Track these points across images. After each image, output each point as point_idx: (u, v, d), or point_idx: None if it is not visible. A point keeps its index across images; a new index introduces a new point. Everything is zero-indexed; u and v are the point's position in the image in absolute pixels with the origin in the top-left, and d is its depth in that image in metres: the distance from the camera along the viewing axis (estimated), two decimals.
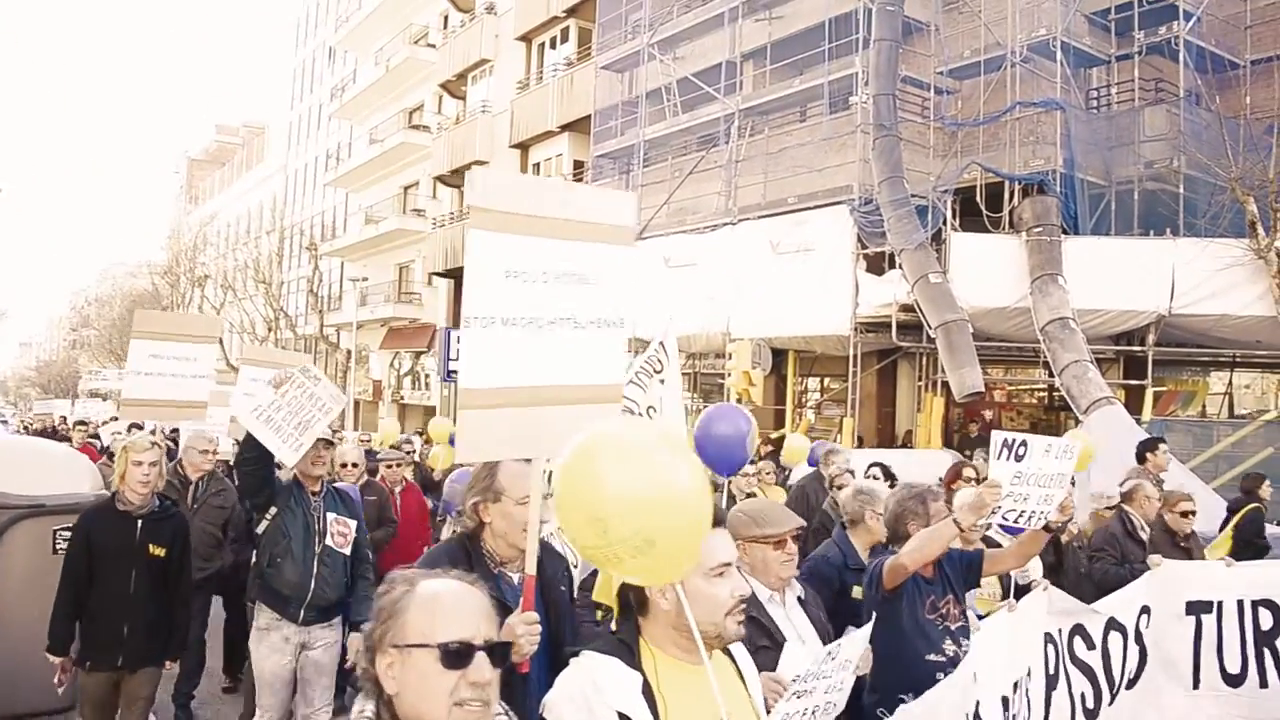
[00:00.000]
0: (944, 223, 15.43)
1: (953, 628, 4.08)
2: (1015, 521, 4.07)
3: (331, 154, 44.32)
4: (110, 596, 4.98)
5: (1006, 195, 15.56)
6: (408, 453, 11.85)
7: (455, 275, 31.06)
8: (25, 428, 26.69)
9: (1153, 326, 14.75)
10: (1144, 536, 6.70)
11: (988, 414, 17.33)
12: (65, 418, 25.24)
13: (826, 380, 19.94)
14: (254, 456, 4.96)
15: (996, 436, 4.04)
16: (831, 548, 4.99)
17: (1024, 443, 4.01)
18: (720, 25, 19.95)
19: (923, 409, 16.22)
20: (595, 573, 4.35)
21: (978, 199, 15.57)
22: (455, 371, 28.05)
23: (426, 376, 34.00)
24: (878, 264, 16.23)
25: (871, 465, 8.66)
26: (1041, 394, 18.01)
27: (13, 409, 66.39)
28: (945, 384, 14.90)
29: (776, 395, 19.09)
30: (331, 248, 39.99)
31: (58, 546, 6.05)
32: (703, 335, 19.11)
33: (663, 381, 5.87)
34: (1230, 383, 16.51)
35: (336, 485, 5.70)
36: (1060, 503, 4.09)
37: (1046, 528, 4.14)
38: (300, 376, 5.01)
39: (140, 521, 5.06)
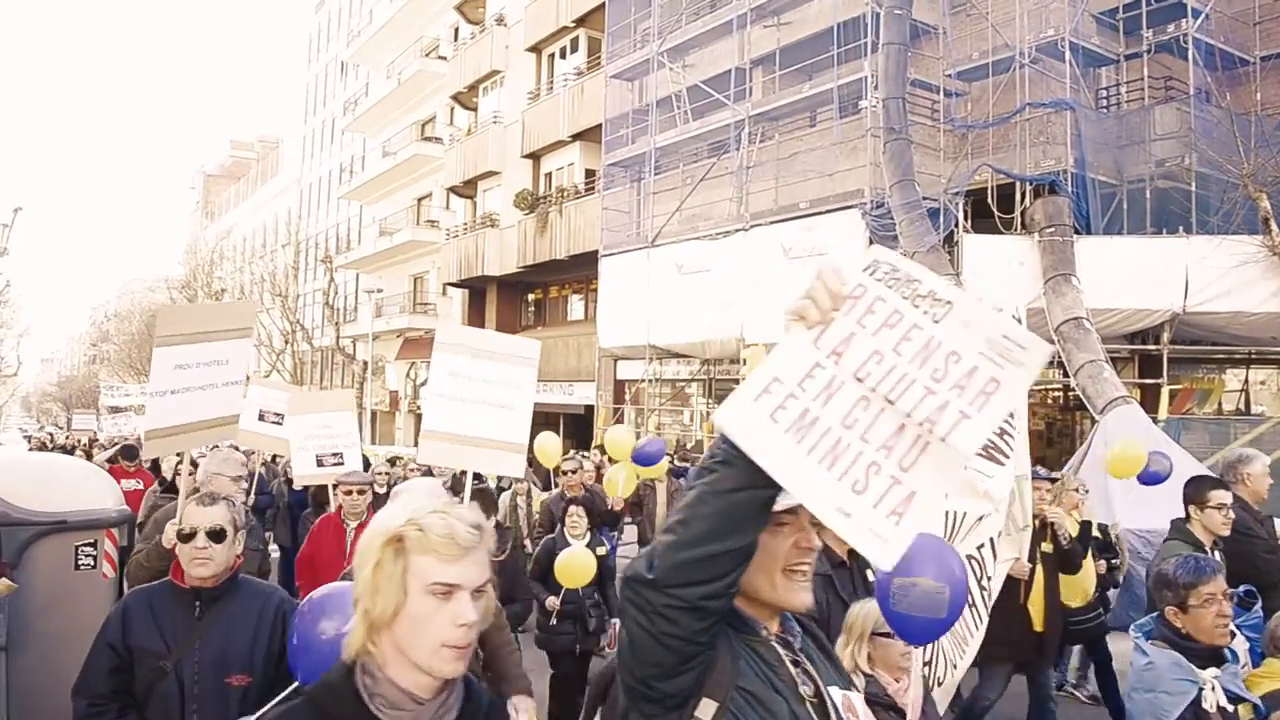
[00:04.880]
0: (956, 225, 15.42)
1: None
2: None
3: (345, 167, 44.61)
4: None
5: (1018, 196, 15.54)
6: (571, 471, 9.03)
7: (469, 285, 31.20)
8: (44, 444, 26.76)
9: (1167, 325, 14.69)
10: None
11: None
12: (96, 434, 25.02)
13: None
14: (721, 554, 1.68)
15: None
16: None
17: None
18: (729, 32, 20.01)
19: None
20: None
21: (989, 200, 15.55)
22: None
23: None
24: None
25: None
26: (1057, 394, 17.93)
27: (36, 424, 66.92)
28: None
29: None
30: (346, 260, 40.22)
31: (80, 563, 6.13)
32: (716, 341, 19.15)
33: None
34: (1246, 380, 16.42)
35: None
36: None
37: None
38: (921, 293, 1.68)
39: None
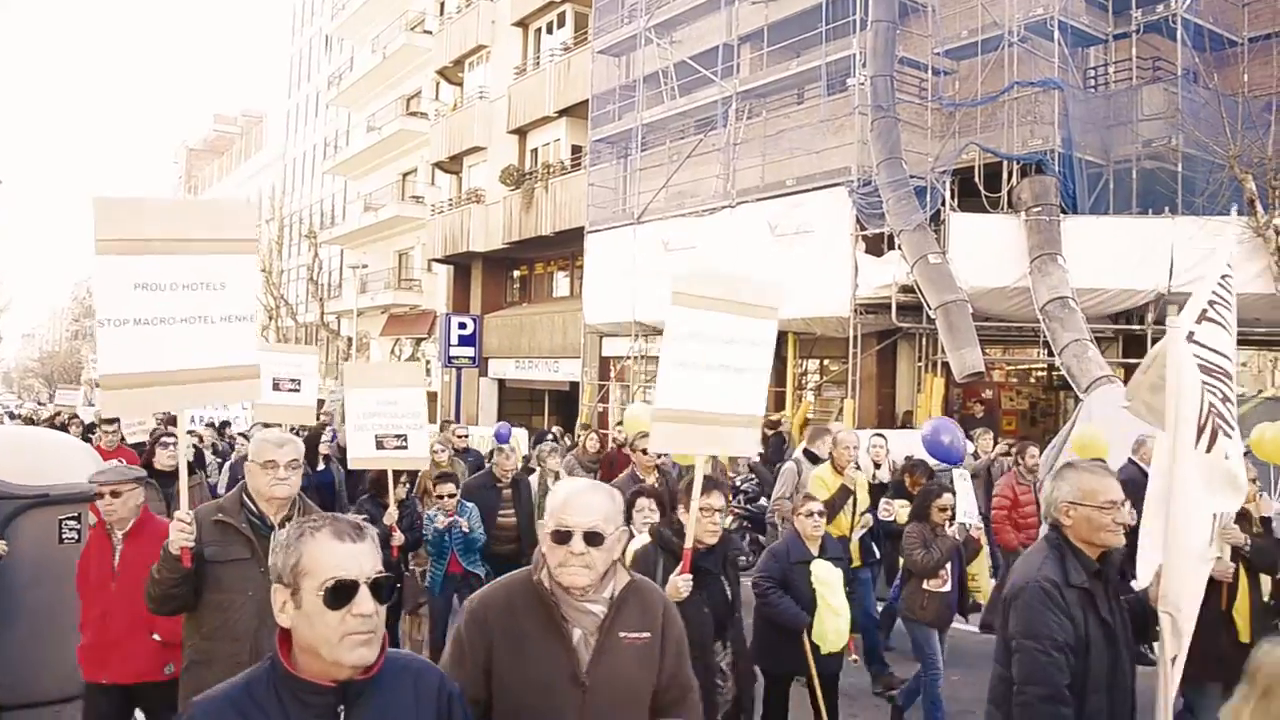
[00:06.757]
0: (943, 203, 15.43)
1: None
2: None
3: (330, 142, 44.32)
4: None
5: (1005, 175, 15.56)
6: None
7: (455, 261, 31.08)
8: (31, 419, 26.47)
9: (1152, 305, 14.76)
10: None
11: (988, 394, 17.35)
12: (75, 411, 24.37)
13: (826, 362, 19.96)
14: None
15: None
16: None
17: None
18: (717, 8, 19.90)
19: (923, 389, 16.25)
20: None
21: (976, 179, 15.58)
22: (456, 357, 28.23)
23: (428, 362, 34.06)
24: (877, 245, 16.24)
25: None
26: (1041, 374, 18.03)
27: (18, 400, 66.52)
28: (945, 364, 14.93)
29: (777, 377, 19.12)
30: (331, 235, 40.01)
31: (64, 537, 6.10)
32: None
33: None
34: None
35: None
36: None
37: None
38: None
39: None
